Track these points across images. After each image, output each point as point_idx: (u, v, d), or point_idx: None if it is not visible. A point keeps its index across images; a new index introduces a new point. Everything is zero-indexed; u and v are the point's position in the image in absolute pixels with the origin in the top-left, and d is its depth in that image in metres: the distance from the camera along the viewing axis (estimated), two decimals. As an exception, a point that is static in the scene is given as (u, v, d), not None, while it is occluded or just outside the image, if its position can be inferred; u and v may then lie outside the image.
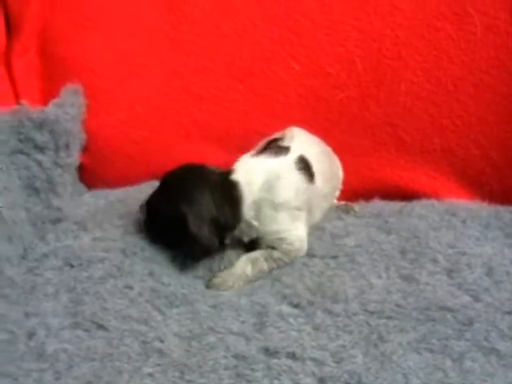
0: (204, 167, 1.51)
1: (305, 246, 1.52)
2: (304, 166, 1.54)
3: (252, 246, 1.51)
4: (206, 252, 1.45)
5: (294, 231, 1.50)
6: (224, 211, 1.45)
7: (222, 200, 1.45)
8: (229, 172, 1.50)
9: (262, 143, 1.67)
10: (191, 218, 1.41)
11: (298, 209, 1.51)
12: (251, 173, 1.49)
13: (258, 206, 1.47)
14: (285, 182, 1.49)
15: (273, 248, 1.48)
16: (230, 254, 1.51)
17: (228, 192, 1.46)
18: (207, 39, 1.82)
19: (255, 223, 1.48)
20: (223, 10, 1.80)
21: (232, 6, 1.80)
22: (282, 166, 1.52)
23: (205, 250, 1.44)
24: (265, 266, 1.46)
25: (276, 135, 1.66)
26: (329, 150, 1.72)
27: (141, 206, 1.54)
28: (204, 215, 1.42)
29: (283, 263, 1.48)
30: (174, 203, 1.43)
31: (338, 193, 1.77)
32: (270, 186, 1.48)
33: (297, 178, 1.52)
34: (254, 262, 1.45)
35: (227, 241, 1.50)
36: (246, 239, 1.51)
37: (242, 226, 1.48)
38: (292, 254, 1.49)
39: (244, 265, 1.45)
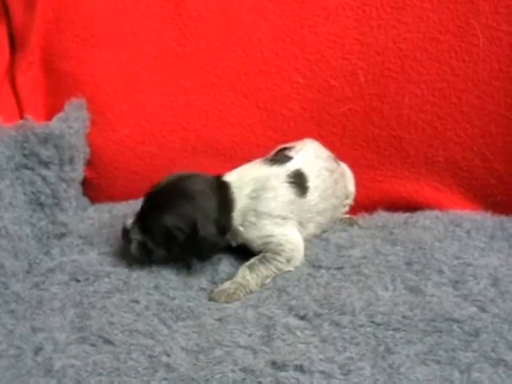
0: (193, 174, 1.55)
1: (300, 249, 1.53)
2: (297, 179, 1.56)
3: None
4: (213, 251, 1.51)
5: (280, 236, 1.51)
6: (222, 213, 1.50)
7: (220, 202, 1.50)
8: (221, 176, 1.55)
9: (274, 150, 1.69)
10: (200, 221, 1.45)
11: (283, 218, 1.53)
12: (242, 178, 1.54)
13: (244, 212, 1.51)
14: (270, 193, 1.52)
15: (266, 252, 1.51)
16: (232, 267, 1.53)
17: (224, 195, 1.51)
18: (212, 55, 1.83)
19: (241, 229, 1.52)
20: (228, 26, 1.82)
21: (237, 21, 1.81)
22: (272, 177, 1.54)
23: (212, 248, 1.50)
24: (262, 269, 1.47)
25: (288, 144, 1.68)
26: (340, 167, 1.73)
27: (124, 230, 1.52)
28: (209, 216, 1.48)
29: (281, 265, 1.49)
30: (177, 210, 1.47)
31: (346, 209, 1.77)
32: (256, 194, 1.52)
33: (285, 190, 1.54)
34: (250, 267, 1.47)
35: (223, 243, 1.54)
36: (233, 244, 1.56)
37: (232, 230, 1.53)
38: (285, 254, 1.49)
39: (242, 272, 1.46)
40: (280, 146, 1.69)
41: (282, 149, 1.67)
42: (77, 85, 1.83)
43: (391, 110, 1.80)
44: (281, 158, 1.61)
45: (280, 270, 1.49)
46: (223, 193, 1.51)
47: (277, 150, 1.68)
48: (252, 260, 1.49)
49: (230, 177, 1.55)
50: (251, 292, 1.44)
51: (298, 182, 1.56)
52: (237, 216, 1.51)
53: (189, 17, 1.82)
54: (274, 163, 1.58)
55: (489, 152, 1.78)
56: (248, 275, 1.45)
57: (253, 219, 1.51)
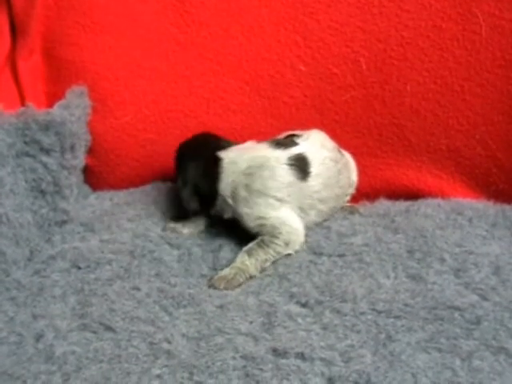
0: (211, 138, 1.68)
1: (299, 233, 1.54)
2: (299, 163, 1.56)
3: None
4: (188, 210, 1.63)
5: (274, 219, 1.52)
6: (203, 181, 1.56)
7: (204, 171, 1.57)
8: (223, 147, 1.61)
9: (281, 135, 1.71)
10: (179, 182, 1.62)
11: (278, 199, 1.53)
12: (241, 154, 1.57)
13: (234, 185, 1.54)
14: (266, 172, 1.53)
15: (263, 235, 1.51)
16: (233, 253, 1.53)
17: (210, 165, 1.56)
18: (214, 42, 1.82)
19: (230, 201, 1.55)
20: (230, 13, 1.80)
21: (239, 8, 1.80)
22: (272, 158, 1.55)
23: (187, 206, 1.62)
24: (260, 253, 1.47)
25: (297, 132, 1.69)
26: (344, 158, 1.72)
27: None
28: (188, 181, 1.59)
29: (279, 248, 1.49)
30: (181, 172, 1.63)
31: (348, 197, 1.77)
32: (251, 171, 1.53)
33: (283, 172, 1.54)
34: (249, 252, 1.47)
35: (212, 212, 1.61)
36: (225, 216, 1.59)
37: (220, 201, 1.56)
38: (282, 237, 1.50)
39: (241, 257, 1.47)
40: (288, 133, 1.70)
41: (290, 135, 1.68)
42: (78, 72, 1.83)
43: (393, 97, 1.80)
44: (287, 142, 1.62)
45: (279, 253, 1.49)
46: (211, 163, 1.57)
47: (285, 136, 1.69)
48: (250, 245, 1.50)
49: (228, 152, 1.59)
50: (251, 277, 1.45)
51: (299, 165, 1.56)
52: (225, 186, 1.55)
53: (190, 3, 1.80)
54: (279, 146, 1.58)
55: (491, 140, 1.78)
56: (247, 260, 1.45)
57: (243, 193, 1.52)
